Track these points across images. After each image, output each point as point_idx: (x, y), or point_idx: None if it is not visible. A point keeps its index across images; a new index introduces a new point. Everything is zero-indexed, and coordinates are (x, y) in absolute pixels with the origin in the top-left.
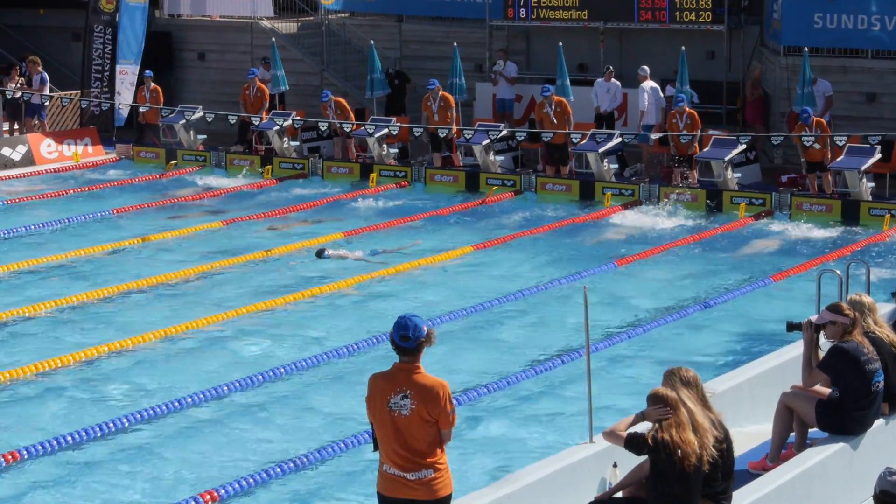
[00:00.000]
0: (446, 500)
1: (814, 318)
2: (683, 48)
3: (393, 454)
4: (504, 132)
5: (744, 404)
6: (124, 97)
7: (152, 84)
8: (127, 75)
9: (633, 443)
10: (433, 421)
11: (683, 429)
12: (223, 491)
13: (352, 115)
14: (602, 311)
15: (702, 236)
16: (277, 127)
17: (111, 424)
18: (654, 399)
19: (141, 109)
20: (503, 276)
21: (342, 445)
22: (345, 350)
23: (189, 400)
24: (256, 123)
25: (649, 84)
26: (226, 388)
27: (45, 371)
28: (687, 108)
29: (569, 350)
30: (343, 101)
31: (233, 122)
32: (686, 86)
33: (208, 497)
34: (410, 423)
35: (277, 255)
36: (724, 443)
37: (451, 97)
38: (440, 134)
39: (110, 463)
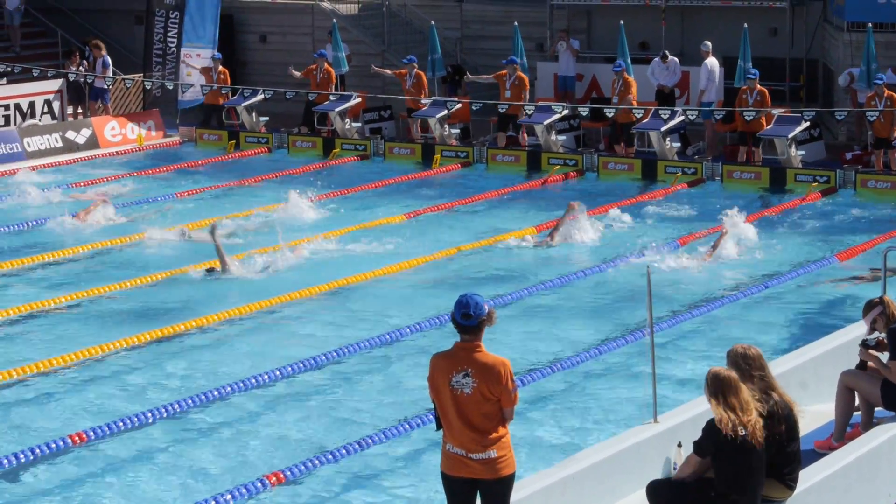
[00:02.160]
0: (509, 480)
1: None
2: (746, 25)
3: (456, 433)
4: (565, 111)
5: (808, 383)
6: (192, 80)
7: (220, 66)
8: (191, 59)
9: (703, 450)
10: (495, 399)
11: (746, 410)
12: (289, 472)
13: (426, 92)
14: (665, 289)
15: (765, 214)
16: (339, 108)
17: (176, 406)
18: (713, 379)
19: (203, 92)
20: (566, 256)
21: (406, 426)
22: (407, 330)
23: (253, 381)
24: (311, 100)
25: (711, 61)
26: (290, 368)
27: (109, 352)
28: (758, 85)
29: (632, 329)
30: (424, 76)
31: (289, 97)
32: (749, 63)
33: (274, 479)
34: (472, 401)
35: (335, 237)
36: (789, 423)
37: (526, 79)
38: (500, 109)
39: (174, 444)
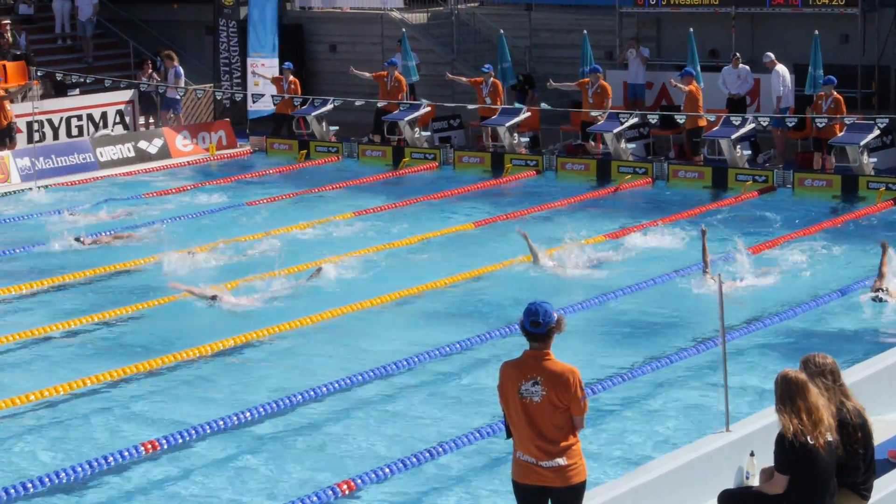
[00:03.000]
0: (580, 488)
1: None
2: (816, 32)
3: (526, 441)
4: (635, 119)
5: (883, 392)
6: (261, 90)
7: (291, 76)
8: (257, 68)
9: (785, 466)
10: (564, 407)
11: (813, 414)
12: (359, 480)
13: (501, 100)
14: (736, 298)
15: (836, 222)
16: (409, 117)
17: (247, 415)
18: (782, 381)
19: (273, 102)
20: (635, 265)
21: (477, 434)
22: (477, 339)
23: (324, 389)
24: (381, 108)
25: (781, 68)
26: (359, 377)
27: (193, 358)
28: (834, 92)
29: (704, 338)
30: (500, 84)
31: (358, 104)
32: (819, 70)
33: (345, 487)
34: (542, 409)
35: (404, 246)
36: (863, 432)
37: (609, 87)
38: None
39: (248, 453)
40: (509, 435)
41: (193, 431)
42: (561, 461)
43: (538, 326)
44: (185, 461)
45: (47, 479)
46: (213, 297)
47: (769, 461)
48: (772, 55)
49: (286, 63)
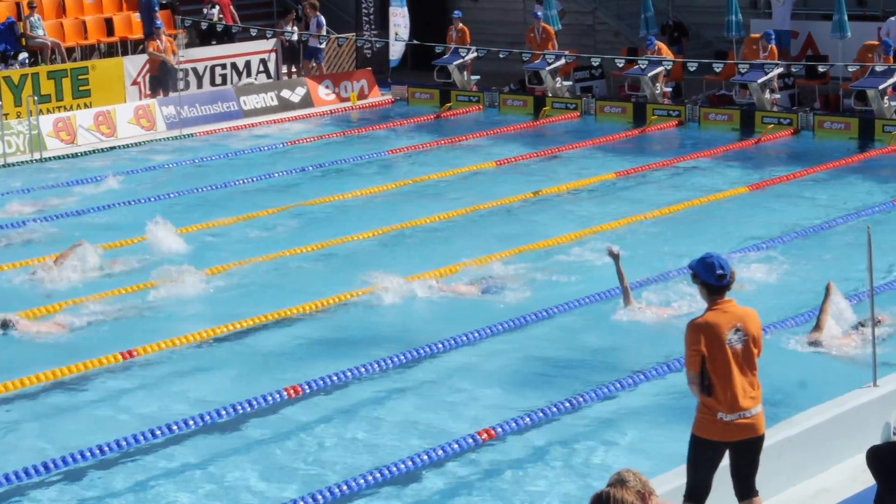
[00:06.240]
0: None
1: None
2: None
3: (738, 393)
4: (779, 70)
5: None
6: (402, 37)
7: (460, 24)
8: (397, 17)
9: None
10: (758, 350)
11: None
12: (499, 429)
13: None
14: (883, 251)
15: None
16: (551, 67)
17: (345, 374)
18: None
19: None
20: (779, 217)
21: (599, 391)
22: (608, 294)
23: (428, 349)
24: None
25: None
26: (486, 331)
27: (289, 316)
28: None
29: (850, 293)
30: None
31: (503, 56)
32: None
33: (485, 435)
34: (746, 355)
35: (547, 196)
36: None
37: (776, 50)
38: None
39: (351, 411)
40: (710, 393)
41: None
42: (760, 407)
43: (724, 279)
44: None
45: None
46: (4, 324)
47: None
48: None
49: (455, 12)
